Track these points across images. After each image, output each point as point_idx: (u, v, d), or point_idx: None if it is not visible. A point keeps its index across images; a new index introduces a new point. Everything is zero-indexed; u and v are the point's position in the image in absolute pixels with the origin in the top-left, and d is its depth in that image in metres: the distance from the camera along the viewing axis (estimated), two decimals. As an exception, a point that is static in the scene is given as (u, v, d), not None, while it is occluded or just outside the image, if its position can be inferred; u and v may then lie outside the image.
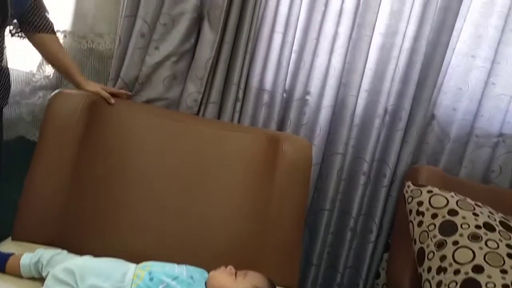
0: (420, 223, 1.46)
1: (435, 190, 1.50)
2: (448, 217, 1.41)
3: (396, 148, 1.73)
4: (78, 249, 1.23)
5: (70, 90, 1.43)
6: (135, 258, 1.19)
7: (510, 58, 1.71)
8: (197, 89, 1.63)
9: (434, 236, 1.39)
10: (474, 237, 1.33)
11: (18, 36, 1.35)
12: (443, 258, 1.34)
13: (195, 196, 1.46)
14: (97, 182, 1.39)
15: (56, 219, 1.31)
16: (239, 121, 1.70)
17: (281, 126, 1.75)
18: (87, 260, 1.14)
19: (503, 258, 1.28)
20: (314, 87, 1.72)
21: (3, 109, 1.32)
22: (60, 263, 1.10)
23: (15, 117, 1.51)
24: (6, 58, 1.27)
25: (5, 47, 1.26)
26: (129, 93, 1.57)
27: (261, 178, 1.51)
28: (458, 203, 1.44)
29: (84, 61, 1.61)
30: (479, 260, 1.28)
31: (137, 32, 1.53)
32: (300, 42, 1.72)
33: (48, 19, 1.35)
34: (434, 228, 1.40)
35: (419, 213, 1.48)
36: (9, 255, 1.14)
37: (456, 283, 1.26)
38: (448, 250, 1.34)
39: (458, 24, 1.67)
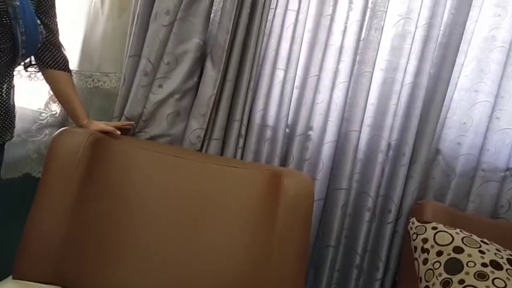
0: (425, 261, 1.43)
1: (440, 226, 1.47)
2: (453, 254, 1.37)
3: (400, 183, 1.71)
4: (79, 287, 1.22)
5: (74, 127, 1.46)
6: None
7: (513, 93, 1.71)
8: (200, 125, 1.65)
9: (440, 275, 1.36)
10: (481, 276, 1.29)
11: (34, 70, 1.39)
12: (449, 297, 1.30)
13: (197, 233, 1.45)
14: (100, 219, 1.40)
15: (57, 257, 1.31)
16: (242, 157, 1.71)
17: (284, 161, 1.76)
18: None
19: (511, 298, 1.24)
20: (317, 122, 1.73)
21: (5, 145, 1.33)
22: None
23: (21, 155, 1.53)
24: (13, 96, 1.30)
25: (13, 85, 1.29)
26: (132, 122, 1.61)
27: (263, 214, 1.50)
28: (464, 240, 1.41)
29: (89, 99, 1.65)
30: (486, 300, 1.24)
31: (141, 71, 1.57)
32: (302, 78, 1.75)
33: (62, 56, 1.38)
34: (440, 266, 1.37)
35: (424, 250, 1.45)
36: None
37: (463, 325, 1.21)
38: (454, 289, 1.30)
39: (459, 59, 1.68)
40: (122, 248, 1.38)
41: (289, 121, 1.75)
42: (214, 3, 1.64)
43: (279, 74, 1.70)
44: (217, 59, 1.61)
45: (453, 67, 1.67)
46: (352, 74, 1.70)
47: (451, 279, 1.32)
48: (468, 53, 1.71)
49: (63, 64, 1.38)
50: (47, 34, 1.30)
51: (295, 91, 1.74)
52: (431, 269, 1.39)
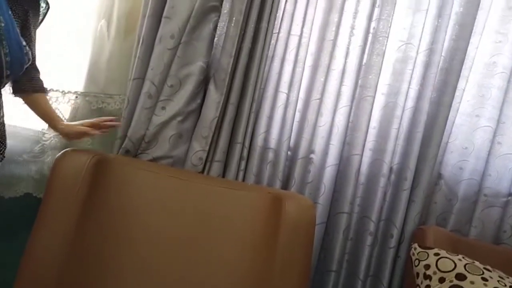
0: (427, 288, 1.41)
1: (443, 252, 1.46)
2: (456, 281, 1.36)
3: (402, 207, 1.70)
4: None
5: (77, 149, 1.47)
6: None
7: (515, 118, 1.72)
8: (202, 147, 1.65)
9: (442, 302, 1.34)
10: (484, 304, 1.28)
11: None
12: (452, 326, 1.28)
13: (198, 255, 1.45)
14: (101, 240, 1.39)
15: (58, 278, 1.29)
16: (243, 179, 1.71)
17: (285, 184, 1.76)
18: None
19: (515, 327, 1.22)
20: (318, 145, 1.74)
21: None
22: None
23: (23, 175, 1.54)
24: (3, 114, 1.27)
25: (2, 105, 1.27)
26: (113, 118, 1.47)
27: (265, 237, 1.50)
28: (466, 267, 1.40)
29: (93, 120, 1.65)
30: (489, 329, 1.22)
31: (145, 93, 1.59)
32: (304, 102, 1.76)
33: (40, 79, 1.37)
34: (442, 293, 1.35)
35: (426, 276, 1.43)
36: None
37: None
38: (457, 317, 1.28)
39: (460, 85, 1.70)
40: (123, 269, 1.38)
41: (291, 144, 1.75)
42: (217, 28, 1.67)
43: (282, 97, 1.72)
44: (220, 82, 1.63)
45: (455, 92, 1.68)
46: (354, 98, 1.71)
47: (454, 307, 1.30)
48: (469, 79, 1.73)
49: (40, 87, 1.37)
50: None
51: (297, 114, 1.75)
52: (433, 296, 1.38)
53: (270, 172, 1.74)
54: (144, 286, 1.36)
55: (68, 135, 1.42)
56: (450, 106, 1.68)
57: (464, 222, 1.76)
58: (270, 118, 1.73)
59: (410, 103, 1.71)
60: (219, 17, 1.65)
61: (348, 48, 1.70)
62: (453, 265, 1.41)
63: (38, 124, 1.59)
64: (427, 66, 1.69)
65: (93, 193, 1.40)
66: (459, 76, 1.67)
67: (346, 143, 1.73)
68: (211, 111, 1.63)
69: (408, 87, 1.68)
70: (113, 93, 1.68)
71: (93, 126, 1.41)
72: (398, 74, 1.71)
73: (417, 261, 1.49)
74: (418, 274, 1.47)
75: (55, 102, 1.58)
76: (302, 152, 1.74)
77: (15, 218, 1.42)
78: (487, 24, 1.71)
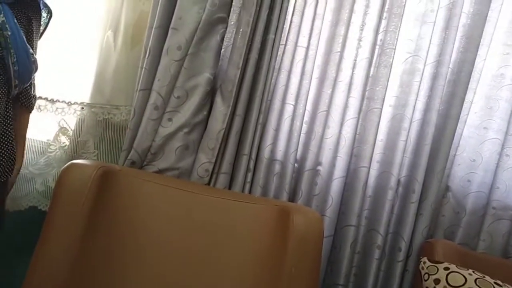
0: (438, 303, 1.39)
1: (452, 267, 1.44)
2: (467, 297, 1.34)
3: (411, 220, 1.68)
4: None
5: (82, 161, 1.45)
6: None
7: (524, 131, 1.71)
8: (208, 159, 1.64)
9: (454, 318, 1.32)
10: (496, 320, 1.26)
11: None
12: None
13: (205, 268, 1.43)
14: (107, 253, 1.37)
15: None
16: (250, 192, 1.70)
17: (292, 196, 1.74)
18: None
19: None
20: (325, 157, 1.72)
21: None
22: None
23: (28, 187, 1.52)
24: (12, 129, 1.25)
25: (13, 118, 1.25)
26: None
27: (272, 250, 1.48)
28: (477, 282, 1.38)
29: (99, 131, 1.64)
30: None
31: (152, 104, 1.58)
32: (311, 114, 1.75)
33: (33, 94, 1.34)
34: (453, 309, 1.33)
35: (436, 291, 1.41)
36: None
37: None
38: (469, 334, 1.26)
39: (468, 97, 1.69)
40: (130, 281, 1.36)
41: (298, 156, 1.74)
42: (224, 39, 1.66)
43: (289, 109, 1.71)
44: (226, 94, 1.62)
45: (462, 104, 1.67)
46: (361, 110, 1.70)
47: (466, 323, 1.28)
48: (477, 91, 1.72)
49: (32, 103, 1.32)
50: None
51: (304, 126, 1.74)
52: (444, 311, 1.36)
53: (277, 184, 1.72)
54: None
55: None
56: (458, 118, 1.67)
57: (472, 236, 1.74)
58: (277, 130, 1.72)
59: (417, 115, 1.70)
60: (226, 28, 1.64)
61: (355, 60, 1.69)
62: (463, 280, 1.39)
63: (43, 135, 1.58)
64: (434, 78, 1.68)
65: (99, 205, 1.38)
66: (466, 88, 1.66)
67: (353, 155, 1.72)
68: (217, 122, 1.62)
69: (416, 99, 1.67)
70: (119, 104, 1.67)
71: None
72: (406, 86, 1.70)
73: (426, 275, 1.47)
74: (428, 288, 1.45)
75: (60, 113, 1.57)
76: (309, 164, 1.73)
77: (20, 232, 1.40)
78: (494, 36, 1.70)
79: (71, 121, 1.60)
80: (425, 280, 1.47)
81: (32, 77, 1.27)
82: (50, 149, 1.55)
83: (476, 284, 1.37)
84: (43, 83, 1.46)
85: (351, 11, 1.69)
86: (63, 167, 1.39)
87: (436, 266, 1.46)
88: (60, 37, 1.56)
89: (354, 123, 1.68)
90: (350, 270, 1.72)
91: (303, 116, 1.71)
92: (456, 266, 1.44)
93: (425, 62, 1.67)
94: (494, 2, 1.67)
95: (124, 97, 1.67)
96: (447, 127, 1.68)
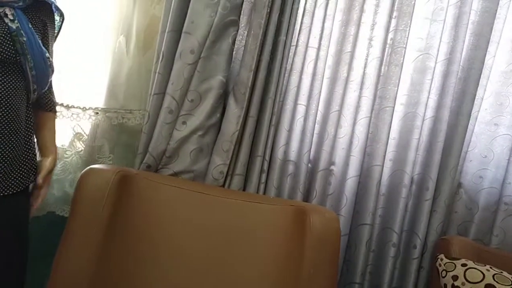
0: (457, 299, 1.40)
1: (470, 263, 1.45)
2: (486, 292, 1.35)
3: (425, 218, 1.69)
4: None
5: (100, 166, 1.46)
6: None
7: (534, 126, 1.72)
8: (223, 161, 1.65)
9: (473, 314, 1.33)
10: (516, 315, 1.27)
11: None
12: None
13: (223, 269, 1.44)
14: (127, 256, 1.39)
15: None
16: (264, 192, 1.71)
17: (306, 196, 1.75)
18: None
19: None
20: (339, 157, 1.73)
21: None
22: None
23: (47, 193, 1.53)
24: (33, 135, 1.25)
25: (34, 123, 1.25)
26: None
27: (290, 250, 1.48)
28: (495, 277, 1.39)
29: (114, 136, 1.65)
30: None
31: (166, 108, 1.59)
32: (323, 114, 1.76)
33: (53, 97, 1.34)
34: (473, 305, 1.34)
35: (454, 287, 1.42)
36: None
37: None
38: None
39: (479, 93, 1.70)
40: (150, 285, 1.36)
41: (311, 156, 1.75)
42: (236, 42, 1.67)
43: (301, 109, 1.72)
44: (240, 96, 1.63)
45: (473, 101, 1.68)
46: (373, 109, 1.71)
47: (486, 318, 1.29)
48: (487, 87, 1.73)
49: (53, 105, 1.32)
50: None
51: (317, 126, 1.75)
52: (463, 307, 1.37)
53: (291, 185, 1.73)
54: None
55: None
56: (470, 115, 1.68)
57: (485, 231, 1.75)
58: (290, 130, 1.73)
59: (429, 113, 1.71)
60: (237, 31, 1.65)
61: (366, 60, 1.70)
62: (481, 276, 1.40)
63: (59, 141, 1.58)
64: (445, 76, 1.69)
65: (118, 209, 1.39)
66: (477, 85, 1.67)
67: (367, 154, 1.73)
68: (231, 124, 1.63)
69: (428, 97, 1.68)
70: (133, 108, 1.68)
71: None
72: (417, 84, 1.71)
73: (444, 272, 1.48)
74: (445, 285, 1.46)
75: (75, 118, 1.58)
76: (322, 164, 1.74)
77: (39, 237, 1.41)
78: (504, 33, 1.71)
79: (86, 126, 1.60)
80: (443, 277, 1.48)
81: (49, 81, 1.27)
82: (66, 154, 1.55)
83: (494, 280, 1.39)
84: (58, 89, 1.47)
85: (361, 10, 1.69)
86: (82, 172, 1.40)
87: (453, 263, 1.47)
88: (73, 43, 1.56)
89: (367, 122, 1.69)
90: (365, 269, 1.73)
91: (316, 116, 1.72)
92: (474, 262, 1.46)
93: (436, 60, 1.68)
94: (502, -1, 1.68)
95: (137, 101, 1.68)
96: (459, 124, 1.69)
